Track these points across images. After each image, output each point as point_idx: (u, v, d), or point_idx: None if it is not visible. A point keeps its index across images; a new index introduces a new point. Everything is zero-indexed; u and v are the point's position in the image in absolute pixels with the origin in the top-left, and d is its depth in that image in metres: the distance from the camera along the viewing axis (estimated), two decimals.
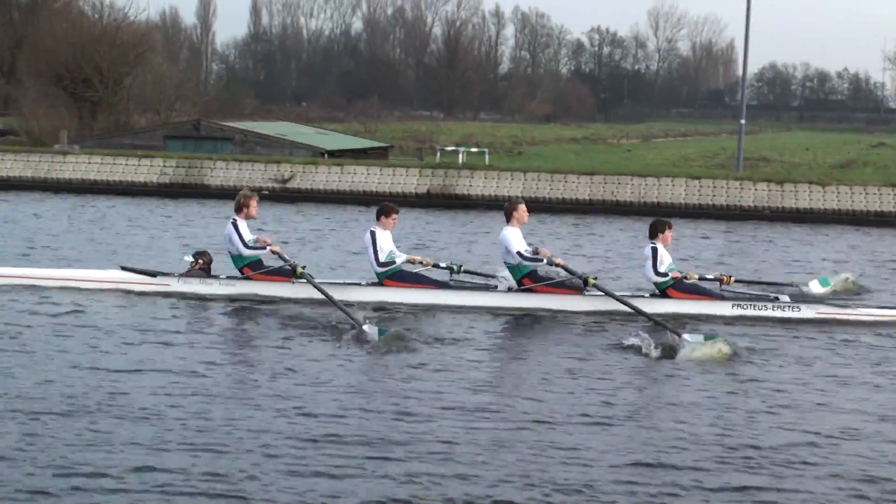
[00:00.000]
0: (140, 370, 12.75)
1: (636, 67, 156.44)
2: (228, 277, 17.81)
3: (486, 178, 39.07)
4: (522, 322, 16.63)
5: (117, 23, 66.01)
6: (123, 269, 18.34)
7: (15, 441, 10.10)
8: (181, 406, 11.40)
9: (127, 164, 40.92)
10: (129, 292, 17.52)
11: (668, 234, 17.46)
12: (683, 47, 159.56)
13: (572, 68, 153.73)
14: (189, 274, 17.93)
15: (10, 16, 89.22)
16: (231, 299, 17.22)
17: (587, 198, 37.86)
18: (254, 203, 17.86)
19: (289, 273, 17.35)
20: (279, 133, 54.63)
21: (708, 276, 17.97)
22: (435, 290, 17.53)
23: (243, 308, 16.86)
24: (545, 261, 17.19)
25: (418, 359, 13.73)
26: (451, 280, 17.87)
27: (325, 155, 48.53)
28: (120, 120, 60.02)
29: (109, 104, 60.31)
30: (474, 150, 54.06)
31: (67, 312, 15.94)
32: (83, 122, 58.94)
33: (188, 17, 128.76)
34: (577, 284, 17.14)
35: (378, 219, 17.70)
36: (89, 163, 41.21)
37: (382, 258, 17.39)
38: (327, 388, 12.26)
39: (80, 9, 78.74)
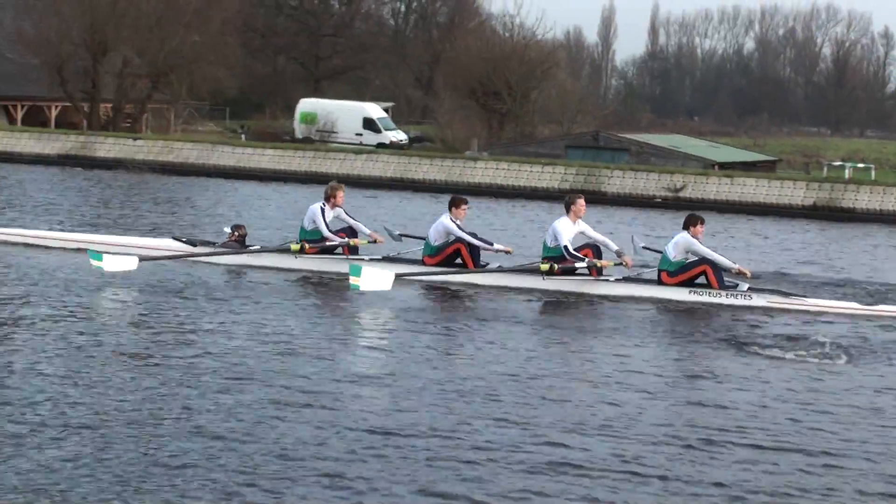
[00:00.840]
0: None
1: None
2: (262, 248, 18.77)
3: (871, 192, 37.77)
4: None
5: (526, 41, 67.20)
6: (174, 238, 19.44)
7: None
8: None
9: (531, 171, 41.67)
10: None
11: (698, 227, 17.27)
12: None
13: None
14: (225, 245, 18.76)
15: (429, 34, 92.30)
16: (252, 267, 18.01)
17: None
18: (340, 194, 18.56)
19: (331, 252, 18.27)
20: (672, 145, 54.41)
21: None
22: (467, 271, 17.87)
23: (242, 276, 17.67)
24: (586, 262, 17.23)
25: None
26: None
27: (716, 167, 48.01)
28: (525, 130, 61.12)
29: (516, 116, 61.51)
30: (860, 165, 52.27)
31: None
32: (492, 131, 60.36)
33: (591, 36, 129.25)
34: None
35: (450, 209, 18.13)
36: (497, 168, 42.20)
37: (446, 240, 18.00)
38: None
39: (493, 28, 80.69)
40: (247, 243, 18.95)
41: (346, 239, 18.29)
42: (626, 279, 17.54)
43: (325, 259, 18.23)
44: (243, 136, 59.72)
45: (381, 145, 57.68)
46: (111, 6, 55.52)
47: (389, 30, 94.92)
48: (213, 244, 18.98)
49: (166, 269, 17.63)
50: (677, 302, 16.89)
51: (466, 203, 18.43)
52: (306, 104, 63.80)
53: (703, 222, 17.40)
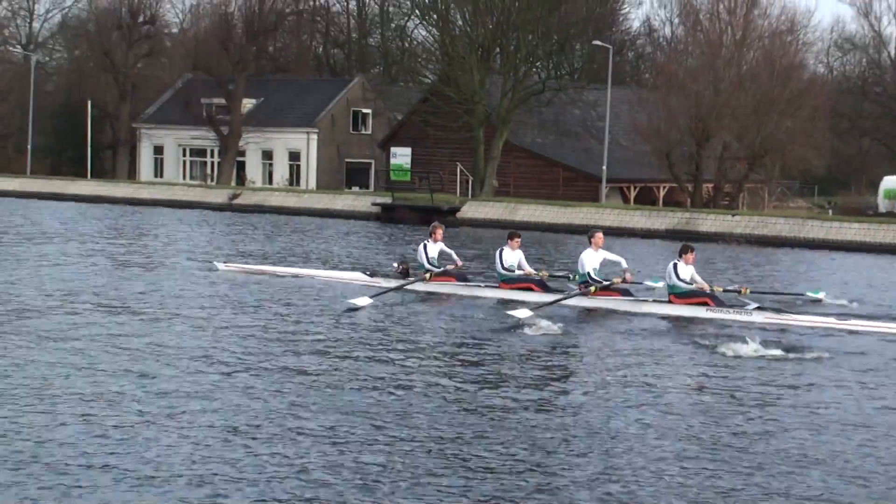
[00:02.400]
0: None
1: None
2: (420, 279, 21.46)
3: None
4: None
5: None
6: (362, 272, 23.17)
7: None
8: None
9: None
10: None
11: (689, 255, 19.38)
12: None
13: None
14: (393, 275, 22.18)
15: None
16: (410, 290, 21.24)
17: None
18: (439, 231, 21.83)
19: (450, 275, 21.48)
20: None
21: (729, 288, 19.93)
22: (533, 291, 20.42)
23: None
24: (603, 283, 19.74)
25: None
26: (570, 285, 20.85)
27: None
28: None
29: None
30: None
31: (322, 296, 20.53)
32: None
33: None
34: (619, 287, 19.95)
35: (507, 241, 21.05)
36: None
37: (506, 265, 20.85)
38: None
39: None
40: (410, 274, 21.86)
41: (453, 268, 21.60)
42: (661, 300, 19.69)
43: (444, 283, 21.34)
44: (830, 211, 58.67)
45: None
46: (713, 98, 56.60)
47: None
48: (387, 276, 22.34)
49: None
50: (695, 318, 18.77)
51: (519, 236, 21.27)
52: (890, 181, 61.72)
53: (692, 250, 19.63)
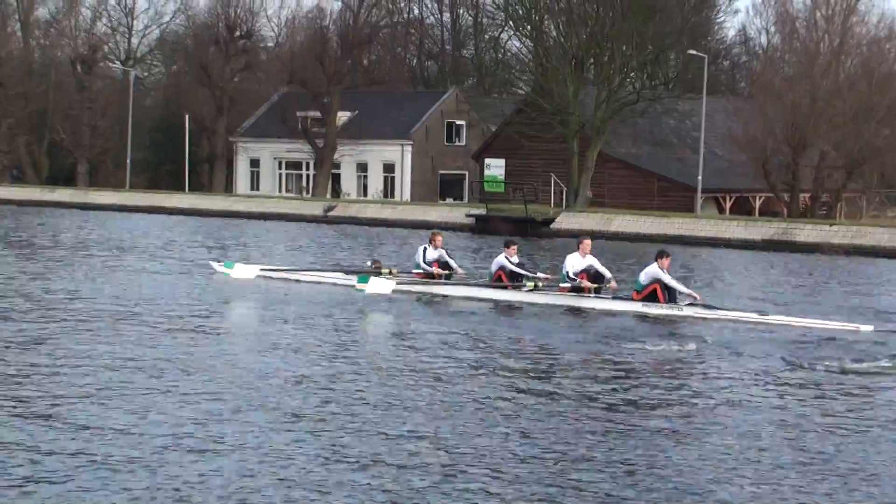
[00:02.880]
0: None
1: None
2: (390, 275, 23.28)
3: None
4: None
5: None
6: (340, 271, 25.55)
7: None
8: None
9: None
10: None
11: (664, 260, 20.73)
12: None
13: None
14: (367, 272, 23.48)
15: None
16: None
17: None
18: (438, 238, 23.65)
19: (429, 276, 23.19)
20: None
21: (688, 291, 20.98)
22: (502, 290, 22.25)
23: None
24: (577, 282, 21.43)
25: None
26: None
27: None
28: None
29: None
30: None
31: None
32: None
33: None
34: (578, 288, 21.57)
35: (504, 248, 22.72)
36: None
37: (507, 267, 22.43)
38: None
39: None
40: (381, 271, 23.53)
41: (437, 269, 23.09)
42: (604, 297, 21.50)
43: (426, 283, 22.98)
44: None
45: None
46: (810, 107, 56.26)
47: None
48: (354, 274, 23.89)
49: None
50: (633, 312, 20.48)
51: (515, 244, 22.97)
52: None
53: (667, 256, 20.94)
